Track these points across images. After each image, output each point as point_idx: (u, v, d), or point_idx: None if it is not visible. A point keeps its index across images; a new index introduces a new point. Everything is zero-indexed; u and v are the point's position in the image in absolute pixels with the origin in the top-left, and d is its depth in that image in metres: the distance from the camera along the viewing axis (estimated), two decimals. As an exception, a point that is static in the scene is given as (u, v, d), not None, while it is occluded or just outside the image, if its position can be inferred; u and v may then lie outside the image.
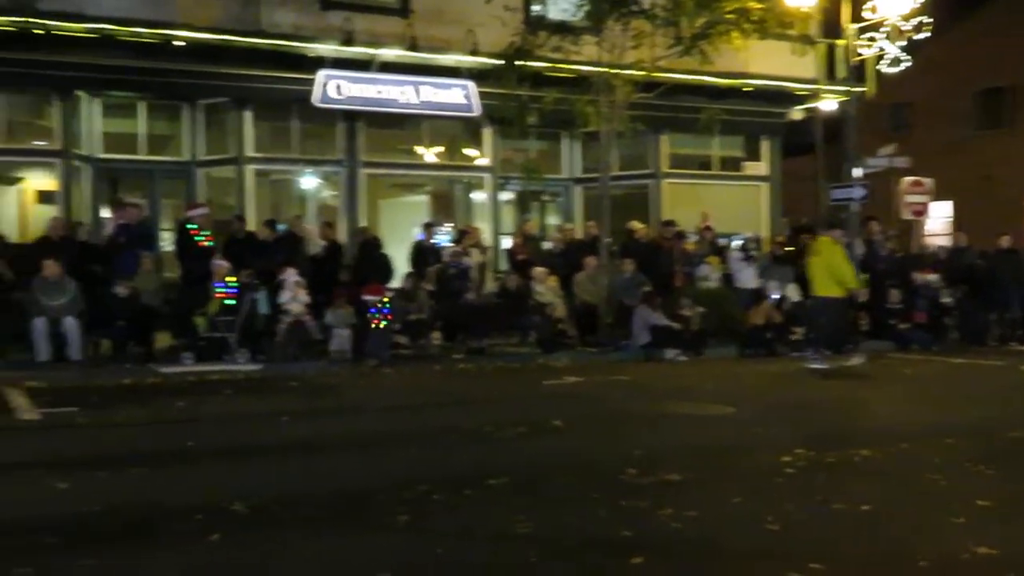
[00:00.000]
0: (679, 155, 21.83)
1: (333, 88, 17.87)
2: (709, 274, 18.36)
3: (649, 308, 16.55)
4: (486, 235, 19.30)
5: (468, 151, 20.61)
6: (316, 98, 17.76)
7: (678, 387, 13.16)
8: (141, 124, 18.12)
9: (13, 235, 16.31)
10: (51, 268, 13.71)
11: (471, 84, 18.67)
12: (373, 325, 14.93)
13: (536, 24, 17.49)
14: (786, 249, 19.25)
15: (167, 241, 17.41)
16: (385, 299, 15.08)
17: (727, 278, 18.69)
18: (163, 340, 14.89)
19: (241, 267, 14.97)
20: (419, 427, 10.10)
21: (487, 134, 19.97)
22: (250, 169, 18.19)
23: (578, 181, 21.36)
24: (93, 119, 17.72)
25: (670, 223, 19.51)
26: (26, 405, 10.99)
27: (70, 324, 13.61)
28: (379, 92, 18.27)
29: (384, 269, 16.51)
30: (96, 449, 8.88)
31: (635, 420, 10.48)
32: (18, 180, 18.01)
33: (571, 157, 21.37)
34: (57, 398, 11.48)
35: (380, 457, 8.56)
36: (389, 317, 15.00)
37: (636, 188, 21.29)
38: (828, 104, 22.69)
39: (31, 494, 7.05)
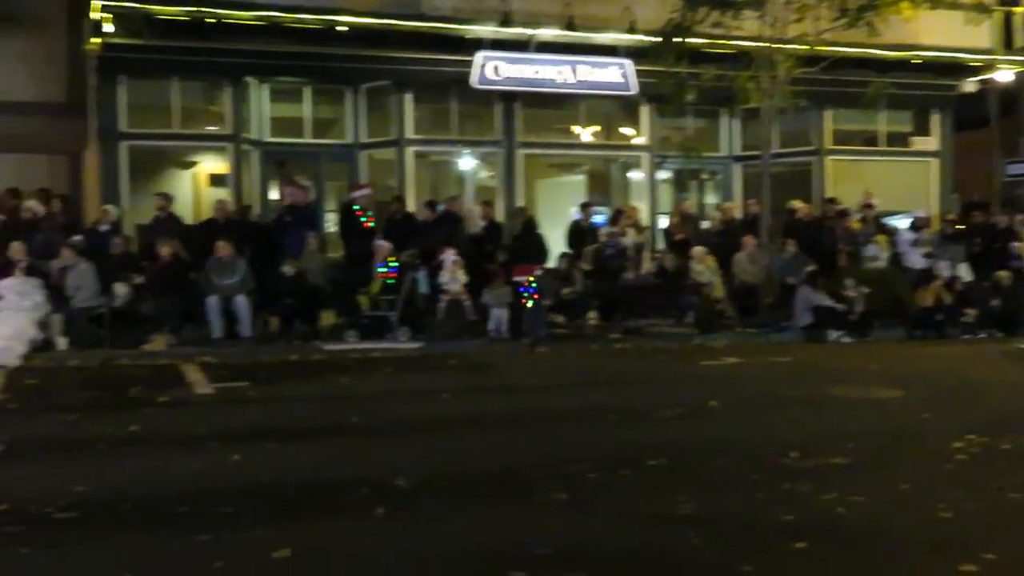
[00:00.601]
0: (843, 131, 21.17)
1: (491, 69, 18.00)
2: (878, 253, 17.78)
3: (812, 288, 16.15)
4: (643, 214, 19.16)
5: (625, 130, 20.47)
6: (474, 79, 17.92)
7: (842, 369, 12.82)
8: (306, 108, 18.63)
9: (187, 217, 17.02)
10: (223, 249, 14.26)
11: (628, 62, 18.51)
12: (523, 304, 15.04)
13: (695, 0, 17.20)
14: (957, 227, 18.46)
15: (331, 222, 17.89)
16: (532, 279, 15.14)
17: (895, 257, 18.06)
18: (328, 318, 15.32)
19: (402, 247, 15.26)
20: (576, 406, 10.12)
21: (644, 112, 19.78)
22: (410, 151, 18.50)
23: (737, 159, 20.97)
24: (261, 104, 18.32)
25: (832, 201, 18.97)
26: (201, 380, 11.48)
27: (240, 302, 14.13)
28: (536, 72, 18.31)
29: (540, 249, 16.57)
30: (266, 422, 9.21)
31: (797, 403, 10.26)
32: (192, 164, 18.79)
33: (730, 134, 20.98)
34: (229, 373, 11.95)
35: (538, 435, 8.61)
36: (536, 296, 15.05)
37: (798, 166, 20.76)
38: (1004, 75, 21.62)
39: (207, 465, 7.36)
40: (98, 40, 16.09)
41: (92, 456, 7.65)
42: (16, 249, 13.61)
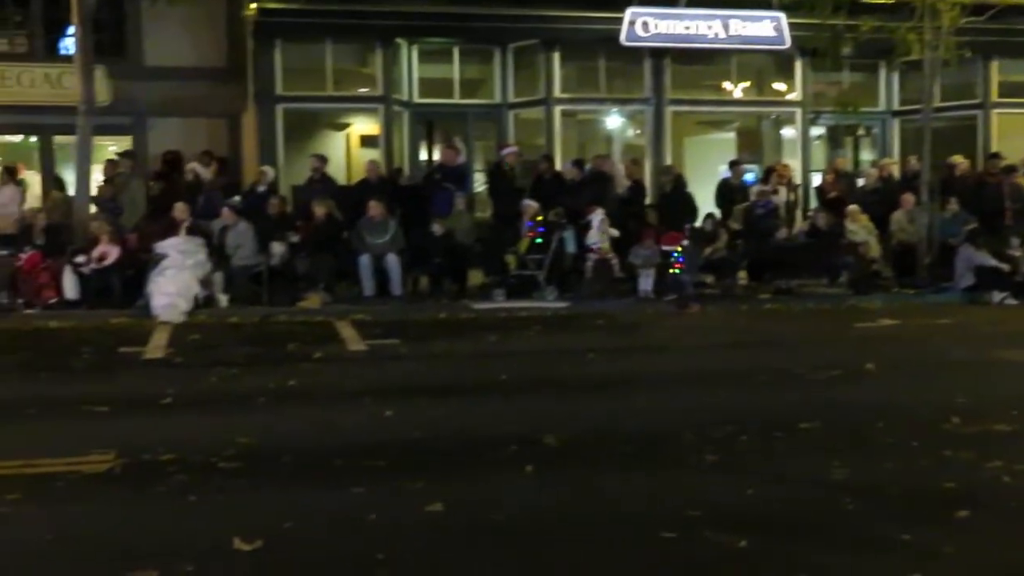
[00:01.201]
0: (1011, 83, 20.13)
1: (640, 26, 17.75)
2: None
3: (974, 248, 15.49)
4: (795, 172, 18.66)
5: (777, 85, 19.94)
6: (623, 36, 17.70)
7: (1006, 332, 12.28)
8: (455, 69, 18.76)
9: (340, 178, 17.38)
10: (375, 208, 14.52)
11: (782, 15, 17.99)
12: (671, 270, 14.90)
13: (853, -52, 16.55)
14: None
15: (479, 182, 18.02)
16: (680, 248, 14.95)
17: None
18: (476, 277, 15.47)
19: (549, 206, 15.26)
20: (725, 367, 9.99)
21: (798, 67, 19.21)
22: (558, 110, 18.43)
23: (896, 114, 20.19)
24: (411, 65, 18.52)
25: (996, 156, 18.10)
26: (354, 337, 11.75)
27: (391, 261, 14.38)
28: (686, 28, 17.98)
29: (689, 208, 16.34)
30: (416, 379, 9.39)
31: (957, 366, 9.89)
32: (344, 126, 19.16)
33: (888, 88, 20.20)
34: (381, 331, 12.20)
35: (686, 396, 8.54)
36: (680, 266, 14.87)
37: (961, 120, 19.85)
38: None
39: (361, 420, 7.55)
40: (255, 6, 16.50)
41: (253, 409, 7.93)
42: (180, 209, 14.15)
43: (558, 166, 17.16)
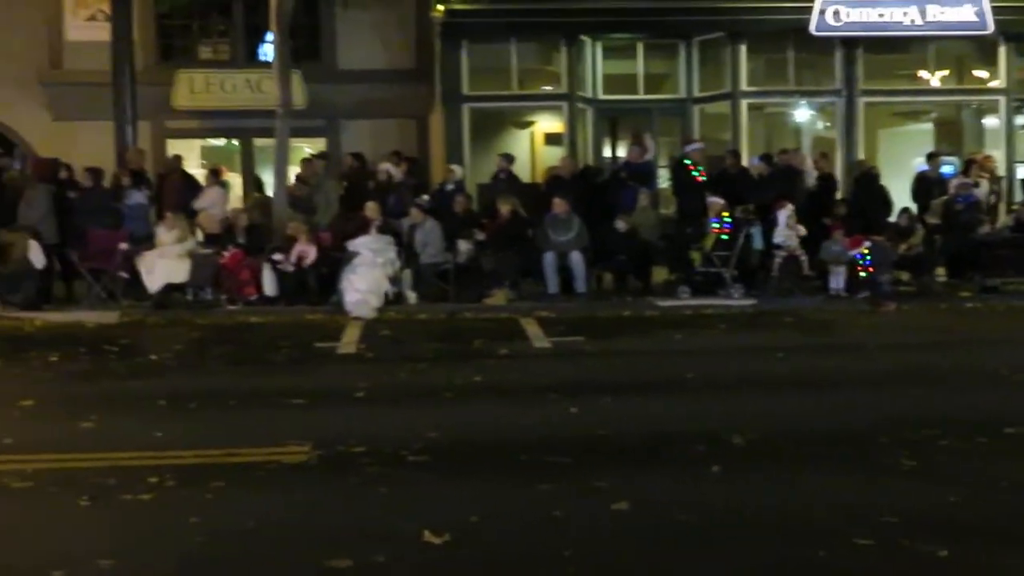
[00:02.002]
0: None
1: (831, 14, 17.22)
2: None
3: None
4: (999, 164, 17.74)
5: (979, 73, 19.00)
6: (813, 26, 17.21)
7: None
8: (639, 64, 18.65)
9: (525, 175, 17.54)
10: (560, 205, 14.56)
11: (984, -1, 17.15)
12: (859, 272, 14.39)
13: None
14: None
15: (663, 178, 17.86)
16: (866, 250, 14.41)
17: None
18: (660, 274, 15.33)
19: (736, 202, 14.98)
20: (922, 367, 9.58)
21: (1002, 53, 18.24)
22: (744, 103, 18.10)
23: (1110, 99, 18.94)
24: (595, 62, 18.52)
25: None
26: (538, 334, 11.83)
27: (576, 258, 14.39)
28: (880, 15, 17.34)
29: (883, 203, 15.74)
30: (601, 376, 9.37)
31: None
32: (529, 124, 19.32)
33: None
34: (565, 328, 12.23)
35: (880, 396, 8.23)
36: (870, 269, 14.33)
37: None
38: None
39: (546, 416, 7.59)
40: (442, 7, 16.84)
41: (440, 404, 8.09)
42: (371, 209, 14.55)
43: (744, 161, 16.84)
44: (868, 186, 16.03)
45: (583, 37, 18.00)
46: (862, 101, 18.20)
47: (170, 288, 13.81)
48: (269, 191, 16.63)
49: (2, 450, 6.58)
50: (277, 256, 14.07)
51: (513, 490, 5.71)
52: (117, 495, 5.63)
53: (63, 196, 14.72)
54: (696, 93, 18.47)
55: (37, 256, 13.81)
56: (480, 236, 14.62)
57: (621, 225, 14.79)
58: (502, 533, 5.03)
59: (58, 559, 4.66)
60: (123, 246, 14.11)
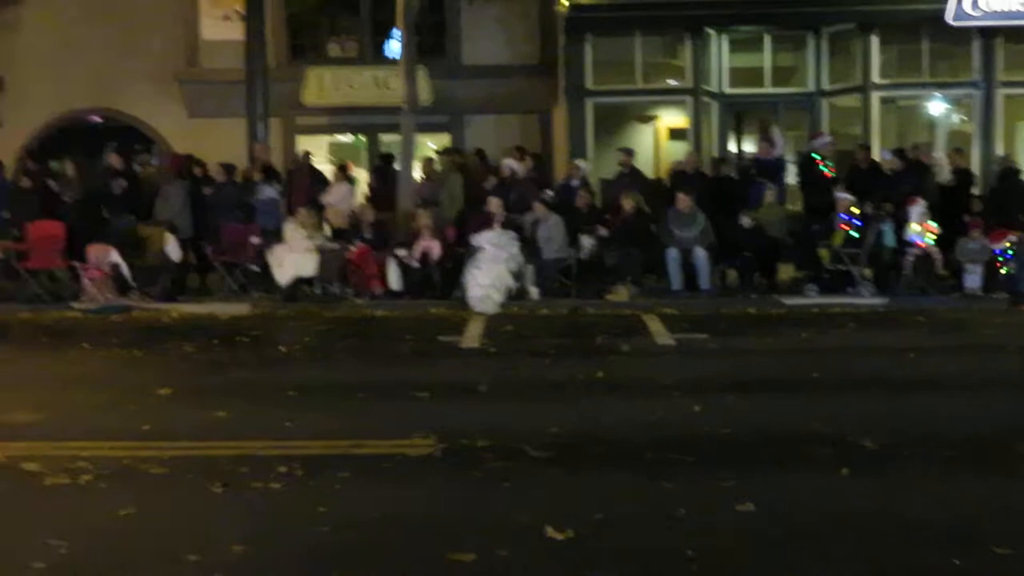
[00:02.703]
0: None
1: (969, 3, 16.61)
2: None
3: None
4: None
5: None
6: (950, 15, 16.63)
7: None
8: (766, 57, 18.32)
9: (647, 170, 17.41)
10: (684, 201, 14.42)
11: None
12: (998, 268, 13.87)
13: None
14: None
15: (791, 173, 17.51)
16: (1009, 244, 13.87)
17: None
18: (786, 272, 15.05)
19: (866, 198, 14.60)
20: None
21: None
22: (876, 96, 17.61)
23: None
24: (721, 55, 18.26)
25: None
26: (661, 331, 11.73)
27: (700, 255, 14.24)
28: (1023, 4, 16.67)
29: (1023, 200, 15.14)
30: (725, 374, 9.22)
31: None
32: (652, 118, 19.17)
33: None
34: (688, 325, 12.11)
35: (1018, 400, 7.95)
36: (1009, 264, 13.77)
37: None
38: None
39: (669, 414, 7.52)
40: (567, 2, 16.83)
41: (563, 399, 8.09)
42: (494, 204, 14.64)
43: (875, 155, 16.40)
44: (1009, 182, 15.44)
45: (709, 30, 17.77)
46: (1001, 93, 17.53)
47: (299, 281, 14.13)
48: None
49: (141, 437, 6.83)
50: (402, 251, 14.28)
51: (636, 488, 5.68)
52: (249, 483, 5.79)
53: (198, 191, 15.20)
54: (825, 86, 18.06)
55: (173, 249, 14.31)
56: (603, 231, 14.58)
57: (746, 221, 14.57)
58: (625, 531, 5.01)
59: (193, 544, 4.82)
60: (255, 240, 14.51)
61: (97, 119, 19.23)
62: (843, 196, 14.56)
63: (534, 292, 14.12)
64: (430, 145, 17.96)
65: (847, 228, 14.24)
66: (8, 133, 18.83)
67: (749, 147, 18.42)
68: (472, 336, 11.49)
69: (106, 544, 4.92)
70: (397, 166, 16.36)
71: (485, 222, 14.46)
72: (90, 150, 17.30)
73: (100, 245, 14.11)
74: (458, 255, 14.26)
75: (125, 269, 14.05)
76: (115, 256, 14.02)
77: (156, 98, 18.58)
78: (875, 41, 17.47)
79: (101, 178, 15.47)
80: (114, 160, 15.38)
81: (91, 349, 10.84)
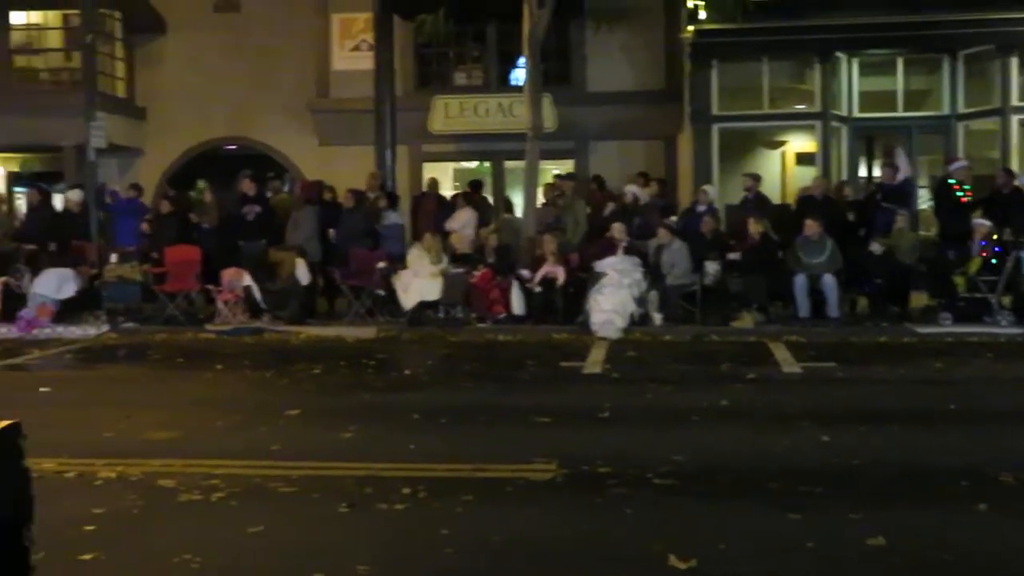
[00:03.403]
0: None
1: (1114, 22, 15.97)
2: None
3: None
4: None
5: None
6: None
7: None
8: (899, 80, 17.89)
9: (775, 196, 17.14)
10: (812, 227, 14.15)
11: None
12: None
13: None
14: None
15: (924, 199, 17.04)
16: None
17: None
18: (919, 300, 14.61)
19: (1004, 224, 14.09)
20: None
21: None
22: (1015, 119, 17.01)
23: None
24: (851, 79, 17.90)
25: None
26: (788, 359, 11.50)
27: (828, 281, 13.93)
28: None
29: None
30: (854, 404, 9.00)
31: None
32: (780, 143, 18.89)
33: None
34: (816, 353, 11.85)
35: None
36: None
37: None
38: None
39: (796, 443, 7.36)
40: (692, 28, 16.75)
41: (687, 427, 7.99)
42: (618, 230, 14.61)
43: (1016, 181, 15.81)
44: None
45: (839, 54, 17.45)
46: None
47: (423, 305, 14.33)
48: (518, 212, 16.98)
49: (270, 456, 6.99)
50: (525, 275, 14.35)
51: (762, 518, 5.57)
52: (374, 503, 5.87)
53: (327, 217, 15.56)
54: (961, 109, 17.53)
55: (303, 273, 14.67)
56: (731, 256, 14.38)
57: (877, 248, 14.22)
58: (750, 562, 4.91)
59: (319, 563, 4.90)
60: (381, 265, 14.76)
61: (232, 147, 19.88)
62: (981, 222, 14.09)
63: (657, 318, 14.01)
64: (554, 172, 18.02)
65: (985, 255, 13.75)
66: (149, 161, 19.67)
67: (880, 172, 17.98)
68: (594, 361, 11.45)
69: (236, 560, 5.04)
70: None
71: (608, 247, 14.44)
72: (225, 177, 17.93)
73: (234, 269, 14.58)
74: (581, 280, 14.26)
75: (257, 292, 14.47)
76: (248, 279, 14.46)
77: (288, 127, 19.15)
78: (1014, 63, 16.91)
79: (235, 205, 15.99)
80: (248, 187, 15.87)
81: (224, 370, 11.16)
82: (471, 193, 16.93)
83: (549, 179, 17.37)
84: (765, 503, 5.85)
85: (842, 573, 4.75)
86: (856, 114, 17.95)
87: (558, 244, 14.70)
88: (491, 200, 18.35)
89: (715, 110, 17.58)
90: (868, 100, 18.06)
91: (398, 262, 14.74)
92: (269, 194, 16.49)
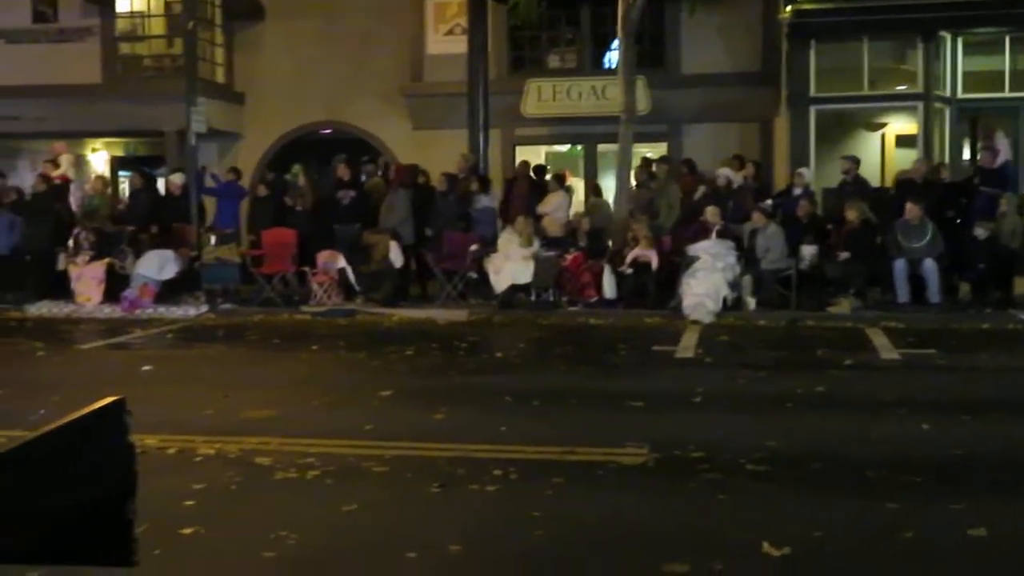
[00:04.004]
0: None
1: None
2: None
3: None
4: None
5: None
6: None
7: None
8: (1006, 60, 17.33)
9: (874, 179, 16.76)
10: (912, 211, 13.82)
11: None
12: None
13: None
14: None
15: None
16: None
17: None
18: (1023, 285, 14.19)
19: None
20: None
21: None
22: None
23: None
24: (955, 59, 17.40)
25: None
26: (886, 345, 11.26)
27: (929, 266, 13.60)
28: None
29: None
30: (955, 393, 8.79)
31: None
32: (879, 125, 18.45)
33: None
34: (915, 339, 11.58)
35: None
36: None
37: None
38: None
39: (894, 431, 7.21)
40: (790, 8, 16.44)
41: (780, 413, 7.88)
42: (711, 213, 14.44)
43: None
44: None
45: (942, 32, 16.96)
46: None
47: (515, 289, 14.36)
48: (607, 196, 16.90)
49: (364, 436, 7.08)
50: (620, 258, 14.29)
51: (859, 507, 5.47)
52: (465, 484, 5.91)
53: (421, 200, 15.67)
54: (1070, 89, 16.93)
55: (396, 256, 14.81)
56: (827, 240, 14.11)
57: (980, 232, 13.82)
58: (846, 551, 4.83)
59: (411, 542, 4.95)
60: (473, 248, 14.83)
61: (327, 132, 20.13)
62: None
63: (751, 303, 13.84)
64: (647, 154, 17.87)
65: (1095, 240, 13.29)
66: (247, 145, 20.01)
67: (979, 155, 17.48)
68: (687, 346, 11.36)
69: (331, 538, 5.12)
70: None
71: (702, 231, 14.29)
72: (320, 161, 18.17)
73: (329, 251, 14.80)
74: (674, 264, 14.15)
75: (351, 274, 14.66)
76: (342, 262, 14.67)
77: (383, 111, 19.30)
78: None
79: (330, 189, 16.21)
80: (342, 172, 16.06)
81: (318, 350, 11.34)
82: (563, 176, 16.89)
83: (639, 162, 17.24)
84: (862, 491, 5.74)
85: (942, 563, 4.65)
86: (960, 95, 17.44)
87: (651, 227, 14.60)
88: (582, 183, 18.31)
89: (813, 91, 17.22)
90: (973, 80, 17.52)
91: (490, 245, 14.78)
92: (363, 178, 16.66)
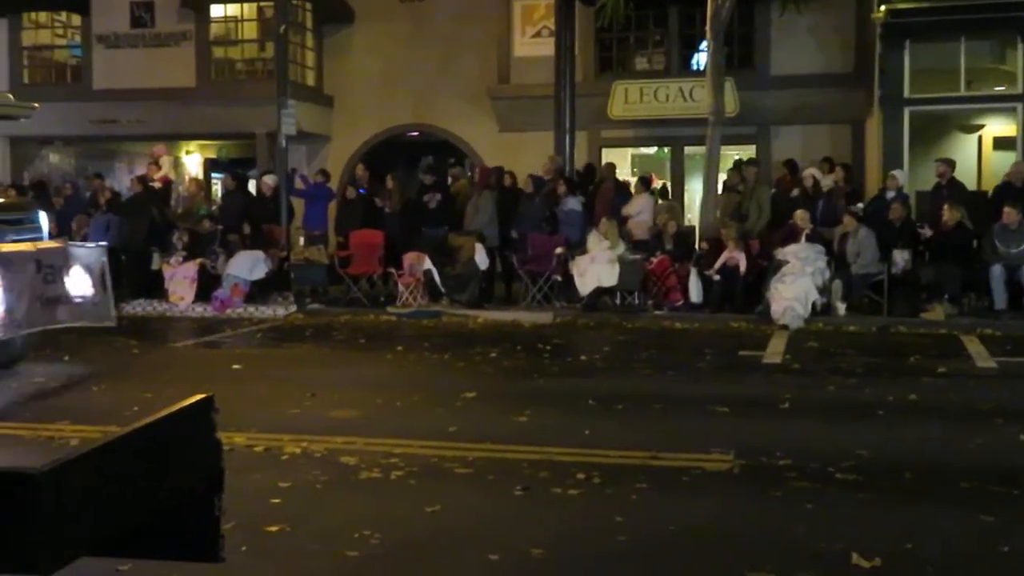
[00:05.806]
0: None
1: None
2: None
3: None
4: None
5: None
6: None
7: None
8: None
9: (970, 183, 16.33)
10: (1011, 215, 13.43)
11: None
12: None
13: None
14: None
15: None
16: None
17: None
18: None
19: None
20: None
21: None
22: None
23: None
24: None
25: None
26: (982, 353, 10.96)
27: (1029, 272, 13.23)
28: None
29: None
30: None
31: None
32: (976, 127, 17.99)
33: None
34: (1013, 347, 11.28)
35: None
36: None
37: None
38: None
39: (990, 442, 7.00)
40: (884, 8, 16.11)
41: (871, 421, 7.71)
42: (800, 216, 14.21)
43: None
44: None
45: (1042, 33, 16.47)
46: None
47: (600, 292, 14.29)
48: (696, 198, 16.74)
49: (448, 437, 7.10)
50: (709, 262, 14.16)
51: (953, 519, 5.32)
52: (548, 487, 5.89)
53: (506, 202, 15.70)
54: None
55: (482, 258, 14.85)
56: (923, 243, 13.75)
57: (1083, 237, 13.37)
58: (940, 565, 4.69)
59: (494, 543, 4.95)
60: (559, 250, 14.80)
61: (415, 134, 20.29)
62: None
63: (841, 308, 13.57)
64: (735, 157, 17.67)
65: None
66: (336, 147, 20.25)
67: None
68: (774, 351, 11.19)
69: (414, 538, 5.14)
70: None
71: (791, 235, 14.07)
72: (407, 163, 18.29)
73: (415, 253, 14.90)
74: (761, 268, 13.95)
75: (437, 276, 14.74)
76: (428, 264, 14.75)
77: (469, 114, 19.39)
78: None
79: (417, 191, 16.33)
80: (428, 178, 16.19)
81: (404, 351, 11.41)
82: (648, 179, 16.77)
83: (730, 165, 17.04)
84: (955, 503, 5.59)
85: (1040, 580, 4.50)
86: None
87: (740, 231, 14.42)
88: (670, 185, 18.18)
89: (907, 93, 16.84)
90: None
91: (576, 248, 14.74)
92: (450, 180, 16.74)
